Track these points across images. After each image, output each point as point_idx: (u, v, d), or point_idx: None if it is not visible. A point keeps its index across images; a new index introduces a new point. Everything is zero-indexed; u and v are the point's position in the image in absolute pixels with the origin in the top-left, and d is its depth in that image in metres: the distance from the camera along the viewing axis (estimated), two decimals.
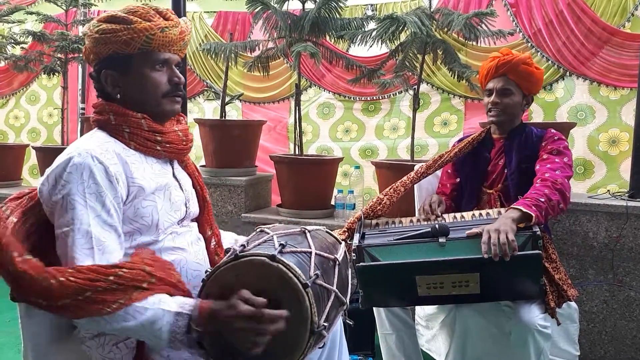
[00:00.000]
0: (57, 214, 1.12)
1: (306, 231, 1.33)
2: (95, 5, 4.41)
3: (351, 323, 1.33)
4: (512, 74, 1.92)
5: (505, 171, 1.95)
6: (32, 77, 4.94)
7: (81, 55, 3.71)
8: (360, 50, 3.25)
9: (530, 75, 1.94)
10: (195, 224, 1.42)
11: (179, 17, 1.33)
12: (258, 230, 1.38)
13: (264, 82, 4.15)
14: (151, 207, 1.22)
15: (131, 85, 1.26)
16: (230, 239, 1.60)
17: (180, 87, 1.31)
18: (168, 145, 1.30)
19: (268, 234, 1.30)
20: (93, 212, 1.11)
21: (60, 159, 1.15)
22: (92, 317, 1.06)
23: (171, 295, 1.13)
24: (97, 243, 1.10)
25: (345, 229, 1.86)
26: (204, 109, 4.48)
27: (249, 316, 1.05)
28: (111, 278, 1.05)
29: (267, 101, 4.36)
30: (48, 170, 1.16)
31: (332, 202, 3.06)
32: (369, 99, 4.06)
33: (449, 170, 2.12)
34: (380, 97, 4.00)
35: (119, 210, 1.16)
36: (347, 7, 3.13)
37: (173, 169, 1.35)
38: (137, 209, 1.20)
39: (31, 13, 3.85)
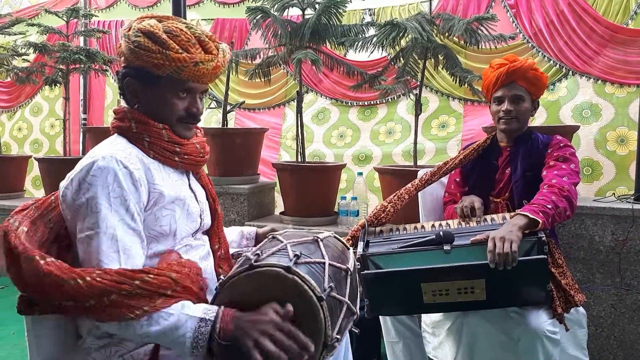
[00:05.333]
0: (81, 217, 1.12)
1: (318, 240, 1.31)
2: (95, 16, 4.43)
3: (357, 331, 1.32)
4: (521, 80, 1.91)
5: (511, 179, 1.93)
6: (37, 89, 4.96)
7: (82, 65, 3.72)
8: (359, 55, 3.24)
9: (539, 80, 1.94)
10: (207, 238, 1.42)
11: None
12: (270, 237, 1.37)
13: (259, 88, 4.11)
14: (170, 216, 1.23)
15: (150, 102, 1.26)
16: (236, 233, 1.60)
17: (197, 117, 1.31)
18: (186, 156, 1.30)
19: (281, 242, 1.28)
20: (118, 216, 1.11)
21: (83, 163, 1.16)
22: (117, 322, 1.06)
23: (193, 302, 1.13)
24: (122, 247, 1.10)
25: (350, 237, 1.84)
26: None
27: (273, 323, 1.06)
28: (137, 282, 1.05)
29: (261, 107, 4.33)
30: (71, 174, 1.16)
31: (336, 209, 3.05)
32: (366, 103, 4.02)
33: (458, 179, 2.11)
34: (378, 102, 3.96)
35: (141, 215, 1.16)
36: (345, 12, 3.12)
37: (189, 180, 1.36)
38: (156, 217, 1.20)
39: (32, 25, 3.87)
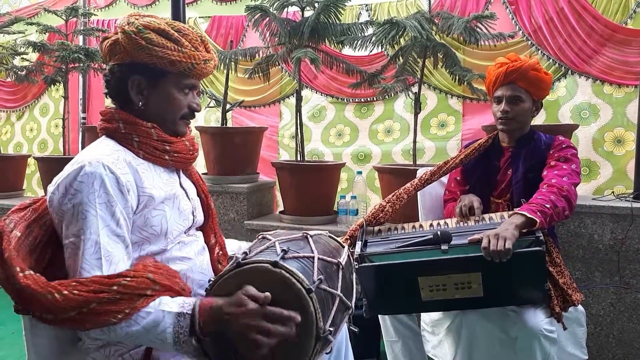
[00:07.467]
0: (67, 223, 1.12)
1: (308, 236, 1.32)
2: (95, 15, 4.42)
3: (356, 330, 1.32)
4: (521, 81, 1.88)
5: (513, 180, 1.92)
6: (43, 89, 4.95)
7: (81, 64, 3.71)
8: (356, 51, 3.20)
9: (540, 81, 1.90)
10: (200, 233, 1.42)
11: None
12: (260, 237, 1.38)
13: (253, 84, 4.09)
14: (160, 216, 1.23)
15: (155, 99, 1.27)
16: (234, 247, 1.60)
17: (194, 114, 1.35)
18: (176, 154, 1.31)
19: (270, 240, 1.30)
20: (103, 222, 1.11)
21: (70, 168, 1.16)
22: (99, 328, 1.06)
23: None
24: (105, 253, 1.11)
25: (348, 237, 1.84)
26: None
27: (255, 313, 1.05)
28: (115, 288, 1.05)
29: (257, 105, 4.30)
30: (58, 179, 1.16)
31: (335, 208, 3.05)
32: (362, 100, 3.99)
33: (458, 178, 2.10)
34: (375, 99, 3.91)
35: (128, 220, 1.16)
36: (344, 9, 3.09)
37: (179, 178, 1.36)
38: (146, 218, 1.21)
39: (31, 24, 3.86)
